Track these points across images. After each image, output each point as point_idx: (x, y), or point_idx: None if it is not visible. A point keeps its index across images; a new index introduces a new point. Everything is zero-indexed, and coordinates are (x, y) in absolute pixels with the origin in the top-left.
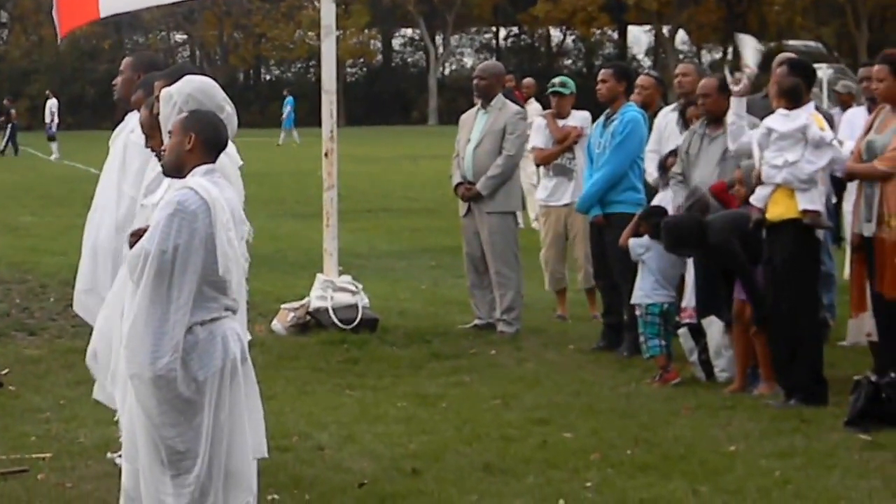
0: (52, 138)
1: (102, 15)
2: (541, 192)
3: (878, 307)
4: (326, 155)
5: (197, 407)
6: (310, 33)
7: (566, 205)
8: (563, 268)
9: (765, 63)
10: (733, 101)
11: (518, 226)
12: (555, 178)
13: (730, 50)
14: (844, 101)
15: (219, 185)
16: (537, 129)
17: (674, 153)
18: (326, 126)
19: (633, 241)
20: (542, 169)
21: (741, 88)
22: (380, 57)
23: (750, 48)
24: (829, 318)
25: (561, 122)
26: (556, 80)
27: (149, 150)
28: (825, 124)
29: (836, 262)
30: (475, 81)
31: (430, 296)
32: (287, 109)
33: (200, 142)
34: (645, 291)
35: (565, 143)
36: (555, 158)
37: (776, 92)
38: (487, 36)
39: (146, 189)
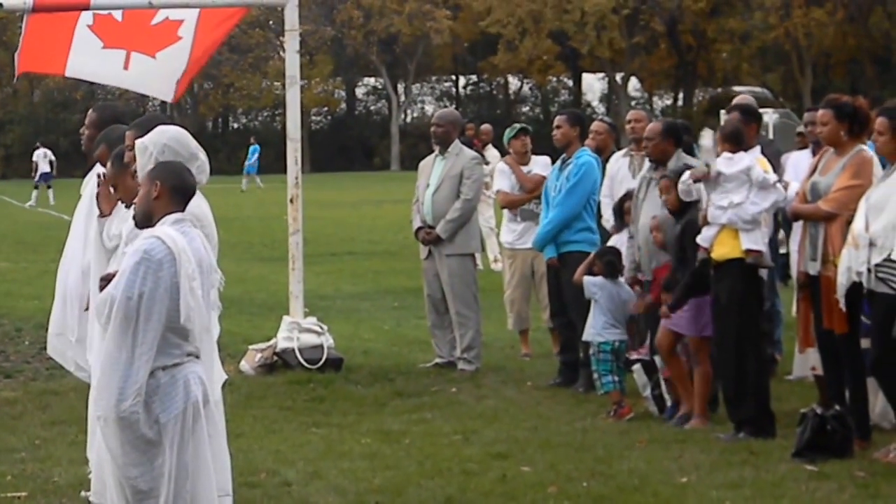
0: (36, 187)
1: (68, 74)
2: (507, 236)
3: (823, 342)
4: (292, 200)
5: (159, 448)
6: (276, 83)
7: (532, 248)
8: (527, 308)
9: (712, 108)
10: (700, 187)
11: (477, 267)
12: (523, 223)
13: (680, 96)
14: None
15: (187, 234)
16: (501, 172)
17: (629, 196)
18: (291, 172)
19: (587, 280)
20: (506, 213)
21: (703, 175)
22: (343, 105)
23: (707, 142)
24: (775, 353)
25: (525, 169)
26: (513, 127)
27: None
28: (769, 166)
29: (782, 299)
30: (433, 129)
31: (393, 336)
32: (253, 157)
33: (167, 190)
34: (597, 329)
35: (535, 192)
36: (522, 204)
37: (722, 136)
38: (447, 84)
39: (127, 237)
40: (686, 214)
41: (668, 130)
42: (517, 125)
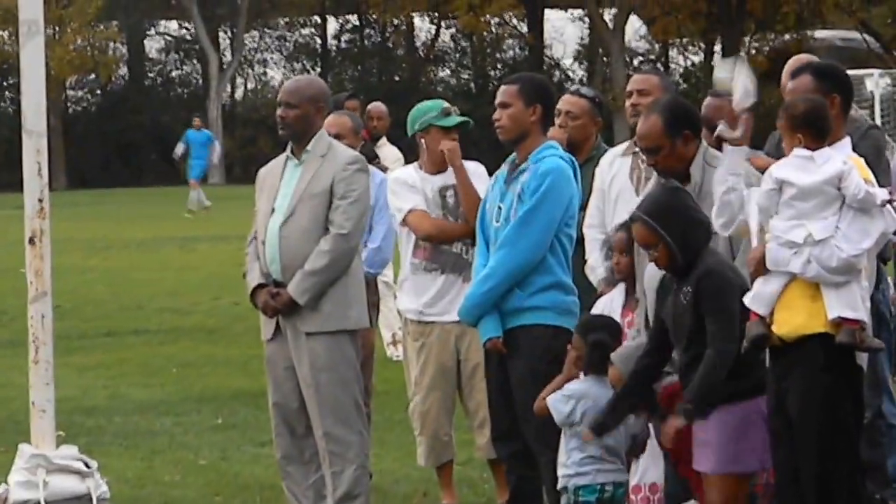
0: None
1: None
2: (409, 299)
3: None
4: (32, 241)
5: None
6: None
7: (459, 321)
8: (450, 426)
9: (775, 70)
10: (728, 152)
11: (360, 355)
12: (440, 277)
13: (717, 48)
14: None
15: None
16: (401, 183)
17: (628, 227)
18: (32, 192)
19: (553, 399)
20: (408, 258)
21: (740, 134)
22: (124, 71)
23: (741, 74)
24: (890, 499)
25: (440, 182)
26: (431, 105)
27: None
28: (870, 173)
29: None
30: (280, 111)
31: (216, 476)
32: None
33: None
34: (575, 466)
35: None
36: (459, 238)
37: (789, 121)
38: (306, 31)
39: None
40: (698, 266)
41: (672, 121)
42: (439, 105)
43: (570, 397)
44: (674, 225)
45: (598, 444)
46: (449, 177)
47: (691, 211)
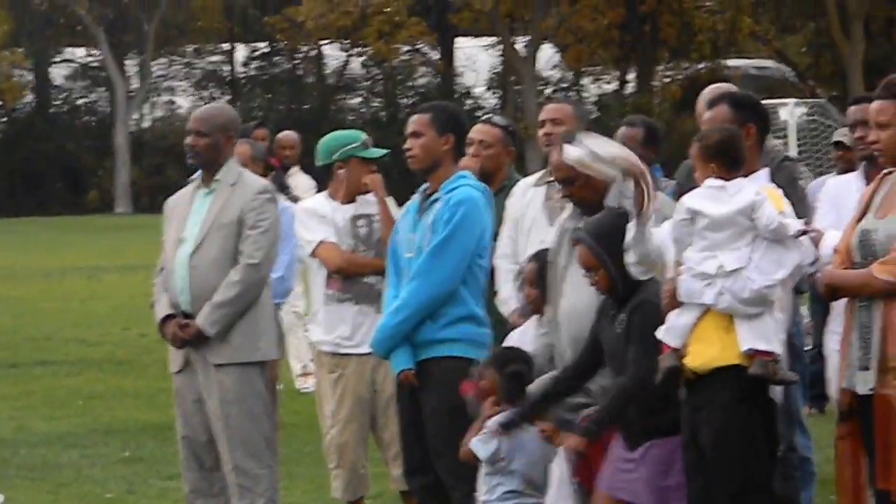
0: None
1: None
2: (323, 331)
3: None
4: None
5: None
6: None
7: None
8: (366, 459)
9: (689, 98)
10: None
11: (275, 387)
12: (353, 307)
13: (631, 76)
14: (847, 161)
15: None
16: (311, 214)
17: (541, 258)
18: None
19: (476, 441)
20: (320, 289)
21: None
22: (30, 98)
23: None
24: None
25: (351, 211)
26: (352, 135)
27: None
28: (785, 203)
29: (814, 439)
30: (189, 139)
31: None
32: None
33: None
34: (497, 501)
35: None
36: (371, 272)
37: (702, 151)
38: (216, 59)
39: None
40: (636, 295)
41: (650, 137)
42: (359, 136)
43: (496, 426)
44: (616, 250)
45: (521, 475)
46: (361, 206)
47: None
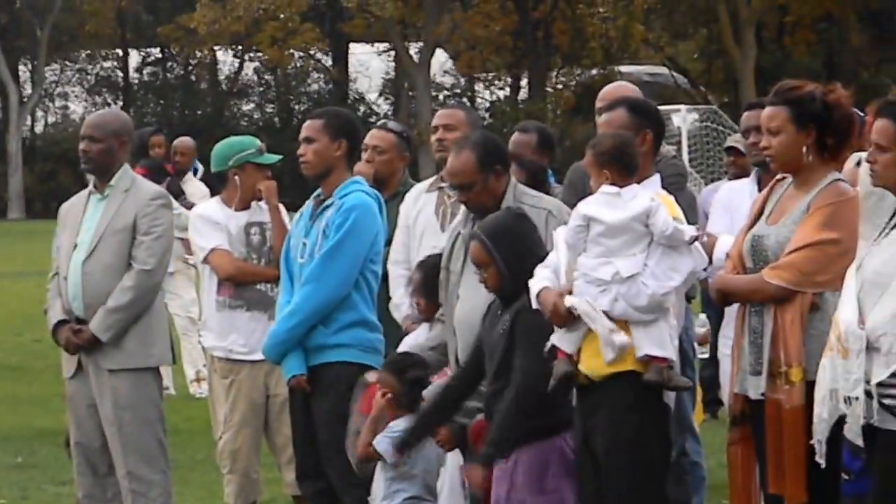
0: None
1: None
2: (216, 337)
3: None
4: None
5: None
6: None
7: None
8: (258, 464)
9: (583, 104)
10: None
11: (165, 391)
12: (245, 313)
13: (524, 82)
14: (740, 167)
15: None
16: (204, 220)
17: (432, 264)
18: None
19: (381, 442)
20: (212, 296)
21: None
22: None
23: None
24: None
25: (245, 218)
26: (246, 142)
27: None
28: (678, 210)
29: (705, 444)
30: (83, 145)
31: None
32: None
33: None
34: None
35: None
36: (263, 280)
37: (596, 157)
38: (109, 64)
39: None
40: (520, 298)
41: (485, 157)
42: (254, 142)
43: (394, 432)
44: (508, 249)
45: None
46: (255, 214)
47: (528, 240)
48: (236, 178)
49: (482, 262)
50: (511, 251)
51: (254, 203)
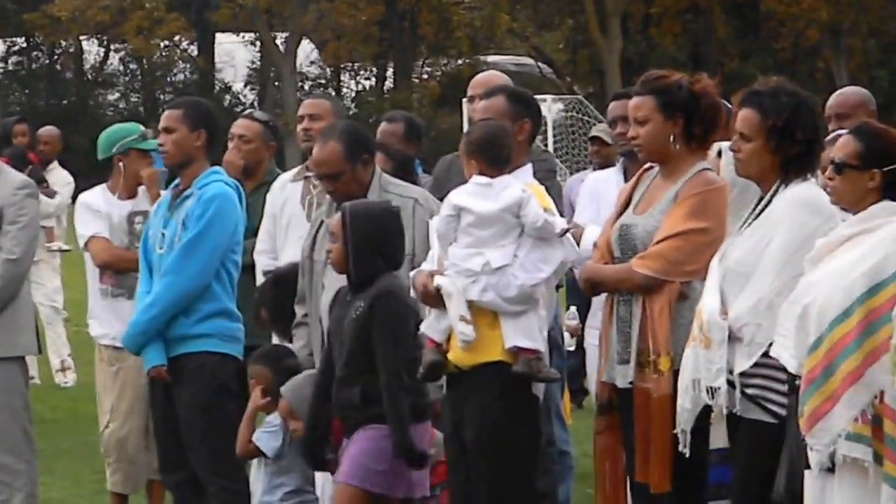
0: None
1: None
2: (101, 325)
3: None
4: None
5: None
6: None
7: None
8: (145, 451)
9: (450, 94)
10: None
11: (30, 381)
12: (126, 302)
13: (390, 72)
14: (604, 157)
15: None
16: (86, 208)
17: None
18: None
19: (261, 437)
20: (97, 285)
21: None
22: None
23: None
24: None
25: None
26: (129, 128)
27: None
28: (550, 201)
29: (573, 433)
30: None
31: None
32: None
33: None
34: (267, 499)
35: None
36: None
37: (468, 147)
38: None
39: None
40: (374, 284)
41: (352, 146)
42: (137, 128)
43: (278, 431)
44: (362, 232)
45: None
46: (140, 203)
47: (385, 235)
48: (121, 164)
49: (335, 232)
50: (363, 235)
51: (140, 192)
